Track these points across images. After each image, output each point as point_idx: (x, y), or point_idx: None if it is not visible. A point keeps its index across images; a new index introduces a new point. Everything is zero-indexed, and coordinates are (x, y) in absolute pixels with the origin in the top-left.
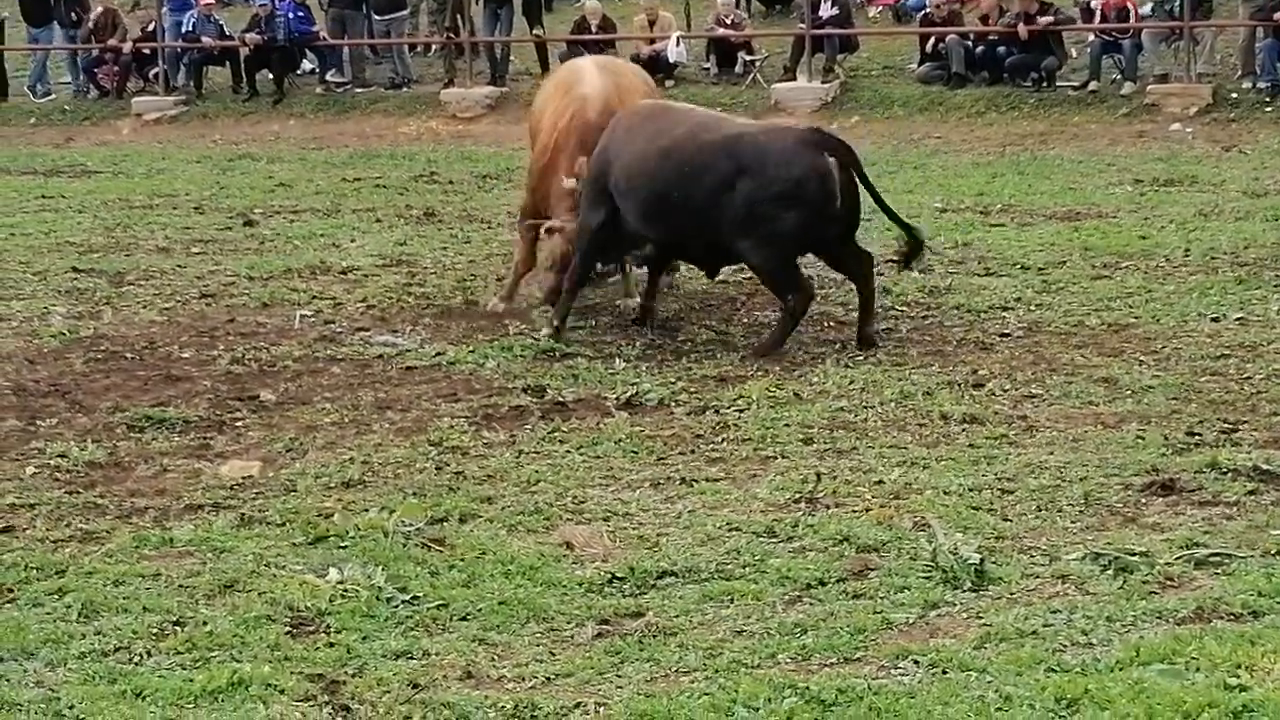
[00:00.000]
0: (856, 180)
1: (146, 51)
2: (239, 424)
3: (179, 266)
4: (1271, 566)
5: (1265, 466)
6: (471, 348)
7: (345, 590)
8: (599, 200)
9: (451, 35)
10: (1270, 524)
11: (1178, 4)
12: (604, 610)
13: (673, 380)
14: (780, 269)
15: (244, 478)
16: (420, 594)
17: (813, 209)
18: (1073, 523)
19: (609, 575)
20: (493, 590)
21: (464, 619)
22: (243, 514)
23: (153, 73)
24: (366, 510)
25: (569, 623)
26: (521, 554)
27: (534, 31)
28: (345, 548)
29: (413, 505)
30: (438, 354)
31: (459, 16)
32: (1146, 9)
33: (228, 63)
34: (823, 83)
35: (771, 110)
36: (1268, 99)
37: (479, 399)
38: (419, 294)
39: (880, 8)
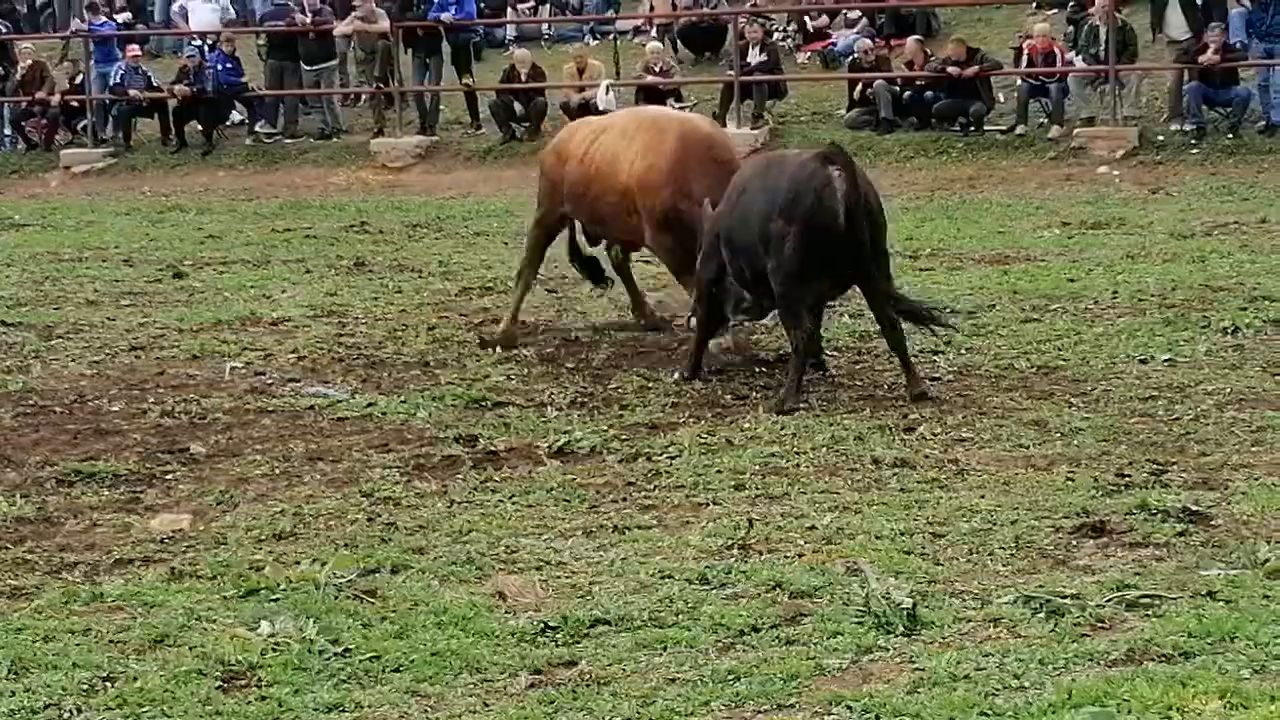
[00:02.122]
0: (872, 202)
1: (75, 104)
2: (169, 477)
3: (108, 319)
4: (1202, 608)
5: (1194, 507)
6: (403, 398)
7: (277, 643)
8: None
9: (380, 85)
10: (1200, 565)
11: (1103, 48)
12: (537, 660)
13: (604, 428)
14: (784, 296)
15: (174, 531)
16: (353, 646)
17: (812, 225)
18: (1004, 566)
19: (542, 625)
20: (425, 641)
21: (397, 670)
22: (173, 568)
23: (81, 125)
24: (298, 562)
25: (502, 673)
26: (454, 604)
27: (463, 81)
28: (277, 600)
29: (344, 557)
30: (369, 404)
31: (388, 66)
32: (1073, 54)
33: (156, 114)
34: (752, 129)
35: None
36: (1193, 141)
37: (410, 449)
38: (350, 344)
39: (809, 54)
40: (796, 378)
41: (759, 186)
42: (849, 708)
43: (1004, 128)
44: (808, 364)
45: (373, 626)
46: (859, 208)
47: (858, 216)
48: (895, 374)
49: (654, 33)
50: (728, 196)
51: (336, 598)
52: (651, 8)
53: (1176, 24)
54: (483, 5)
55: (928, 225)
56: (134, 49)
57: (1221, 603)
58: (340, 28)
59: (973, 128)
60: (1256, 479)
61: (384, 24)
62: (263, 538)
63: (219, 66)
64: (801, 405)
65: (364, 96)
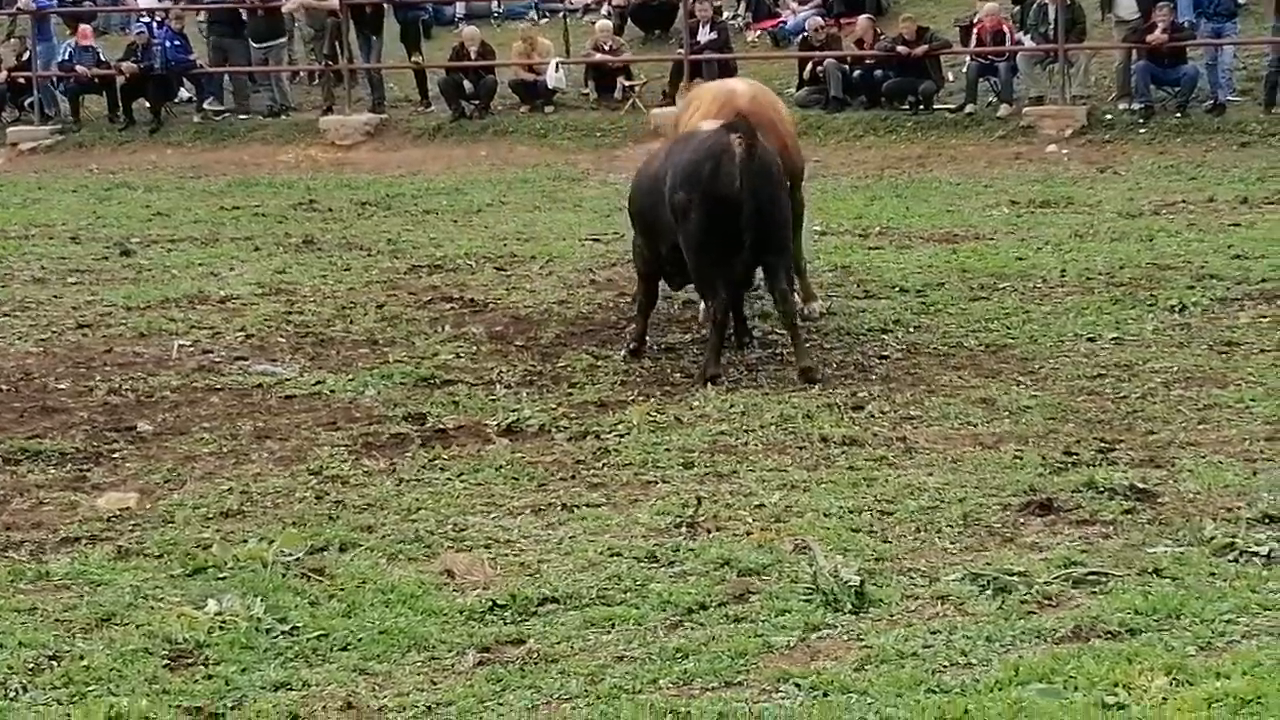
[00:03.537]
0: (770, 173)
1: (21, 80)
2: (116, 455)
3: (55, 297)
4: (1148, 585)
5: (1141, 485)
6: (351, 376)
7: (224, 622)
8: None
9: (329, 62)
10: (1146, 542)
11: (1052, 27)
12: (485, 638)
13: (553, 406)
14: (696, 267)
15: (121, 509)
16: (300, 624)
17: (709, 192)
18: (952, 543)
19: (490, 603)
20: (373, 620)
21: (344, 649)
22: (120, 546)
23: (28, 102)
24: (245, 541)
25: (450, 651)
26: (402, 583)
27: (413, 59)
28: (224, 579)
29: (292, 535)
30: (317, 382)
31: (337, 44)
32: (1021, 33)
33: (104, 92)
34: None
35: (650, 135)
36: (1141, 120)
37: (359, 427)
38: (298, 322)
39: (759, 32)
40: (716, 346)
41: (667, 162)
42: (797, 685)
43: (953, 107)
44: (748, 341)
45: (320, 605)
46: (758, 176)
47: (757, 184)
48: (844, 351)
49: (603, 11)
50: (641, 175)
51: (284, 576)
52: None
53: (1125, 4)
54: None
55: (877, 204)
56: (85, 29)
57: (1168, 580)
58: (289, 4)
59: (922, 106)
60: (1203, 457)
61: (333, 1)
62: (210, 516)
63: (167, 44)
64: (722, 372)
65: (313, 74)
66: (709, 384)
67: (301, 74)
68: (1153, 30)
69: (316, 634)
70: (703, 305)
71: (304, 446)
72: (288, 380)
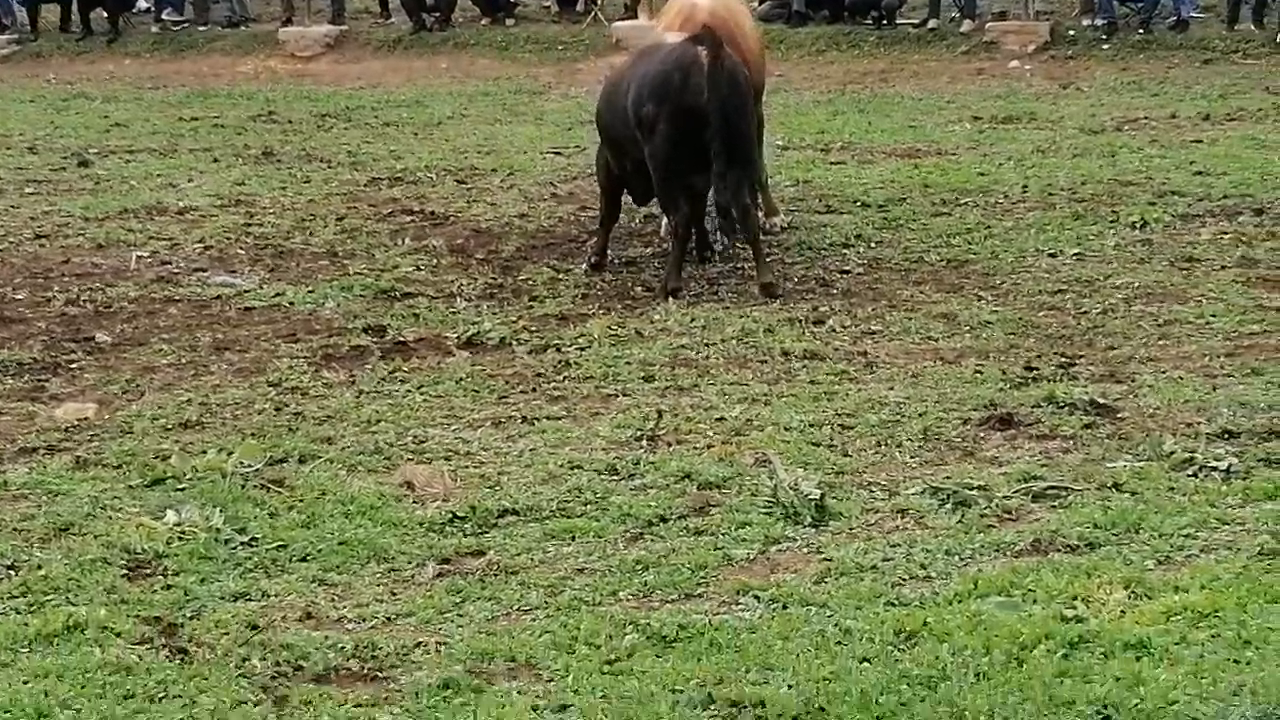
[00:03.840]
0: (738, 85)
1: None
2: (74, 366)
3: (12, 207)
4: (1107, 499)
5: (1101, 400)
6: (311, 288)
7: (183, 532)
8: None
9: None
10: (1106, 457)
11: None
12: (445, 549)
13: (514, 319)
14: (660, 181)
15: (79, 420)
16: (259, 535)
17: (677, 105)
18: (912, 458)
19: (450, 515)
20: (332, 531)
21: (303, 560)
22: (78, 456)
23: None
24: (204, 452)
25: (410, 563)
26: (362, 494)
27: None
28: (183, 490)
29: (251, 446)
30: (276, 294)
31: None
32: None
33: (61, 2)
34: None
35: (612, 49)
36: (1104, 36)
37: (318, 339)
38: (257, 234)
39: None
40: (678, 259)
41: (631, 75)
42: (756, 597)
43: (916, 22)
44: (710, 255)
45: (279, 516)
46: (726, 87)
47: (724, 95)
48: (805, 266)
49: None
50: (605, 89)
51: (243, 487)
52: None
53: None
54: None
55: (839, 119)
56: None
57: (1127, 494)
58: None
59: (885, 22)
60: (1163, 373)
61: None
62: (169, 427)
63: None
64: (683, 285)
65: None
66: (670, 297)
67: None
68: None
69: (275, 545)
70: (665, 218)
71: (263, 358)
72: (247, 292)
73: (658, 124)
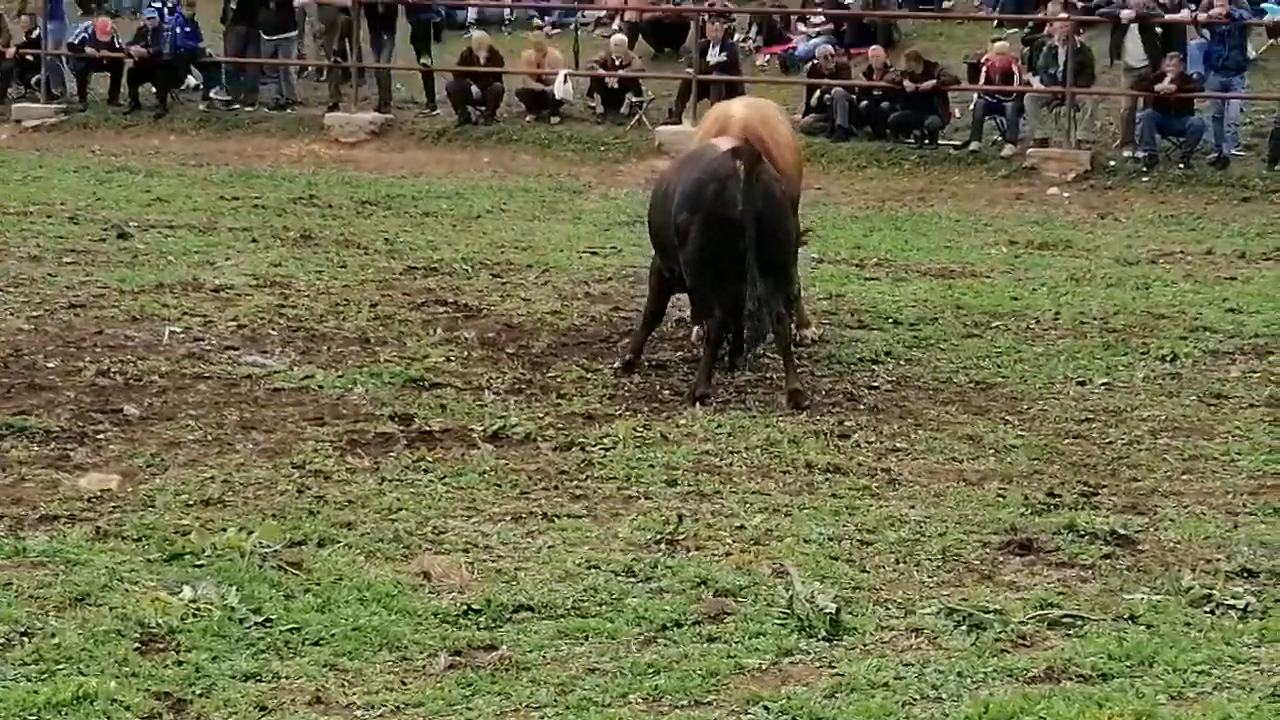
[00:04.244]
0: (772, 197)
1: (30, 58)
2: (100, 437)
3: (49, 275)
4: (1123, 630)
5: (1122, 531)
6: (340, 373)
7: (198, 609)
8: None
9: (338, 59)
10: (1124, 588)
11: (1061, 70)
12: (458, 641)
13: (540, 415)
14: (694, 288)
15: (102, 490)
16: (274, 616)
17: (711, 214)
18: (930, 577)
19: (465, 607)
20: (347, 616)
21: (316, 644)
22: (98, 527)
23: (35, 79)
24: (224, 530)
25: (422, 652)
26: (378, 581)
27: (421, 60)
28: (200, 566)
29: (271, 527)
30: (306, 377)
31: (347, 41)
32: (1029, 74)
33: (110, 74)
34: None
35: (655, 153)
36: (1144, 168)
37: (345, 424)
38: (291, 316)
39: (768, 56)
40: (709, 366)
41: (675, 182)
42: (766, 708)
43: (958, 143)
44: (741, 364)
45: (295, 598)
46: (761, 199)
47: (760, 207)
48: (834, 380)
49: (615, 25)
50: (654, 195)
51: (261, 567)
52: (626, 1)
53: (1134, 52)
54: None
55: (876, 235)
56: (105, 23)
57: (1143, 627)
58: None
59: (927, 141)
60: (1185, 507)
61: None
62: (191, 503)
63: (177, 30)
64: (712, 392)
65: (321, 69)
66: (698, 403)
67: (310, 69)
68: (1161, 79)
69: (289, 627)
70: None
71: (289, 440)
72: (277, 373)
73: (690, 231)
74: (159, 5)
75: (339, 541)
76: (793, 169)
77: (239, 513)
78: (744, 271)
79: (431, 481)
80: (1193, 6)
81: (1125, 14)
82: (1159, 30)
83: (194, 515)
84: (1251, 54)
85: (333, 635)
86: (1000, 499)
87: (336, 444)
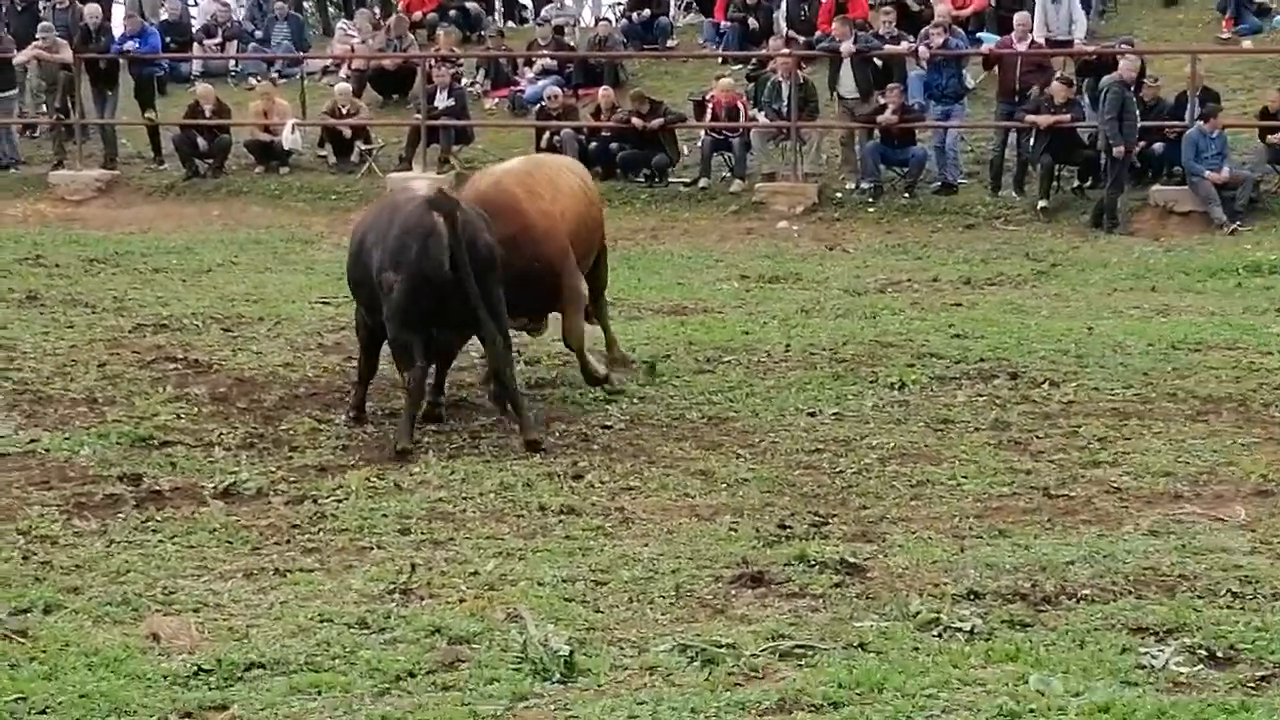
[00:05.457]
0: (476, 247)
1: None
2: None
3: None
4: (853, 658)
5: (851, 559)
6: (67, 435)
7: None
8: None
9: (61, 116)
10: (854, 616)
11: (785, 104)
12: (188, 703)
13: (272, 469)
14: (394, 340)
15: None
16: None
17: (417, 274)
18: (663, 614)
19: (195, 667)
20: (75, 683)
21: (43, 713)
22: None
23: None
24: None
25: (152, 716)
26: (106, 646)
27: (146, 115)
28: None
29: None
30: (32, 440)
31: (69, 98)
32: (754, 110)
33: None
34: (438, 173)
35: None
36: (870, 199)
37: (72, 487)
38: (16, 379)
39: (497, 100)
40: (410, 419)
41: (373, 235)
42: None
43: (687, 180)
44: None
45: (20, 667)
46: (463, 254)
47: (463, 263)
48: (569, 421)
49: (342, 74)
50: (350, 245)
51: None
52: (352, 49)
53: (846, 83)
54: (168, 40)
55: (609, 275)
56: None
57: (872, 654)
58: (20, 56)
59: (657, 179)
60: (913, 532)
61: (66, 54)
62: None
63: None
64: (412, 445)
65: (43, 127)
66: (400, 457)
67: (32, 127)
68: (882, 111)
69: (15, 697)
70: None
71: (13, 506)
72: (2, 438)
73: (396, 289)
74: None
75: (66, 607)
76: (575, 218)
77: None
78: (449, 318)
79: (161, 541)
80: (911, 39)
81: (845, 48)
82: (878, 63)
83: None
84: (970, 83)
85: (60, 703)
86: (732, 533)
87: (63, 507)
